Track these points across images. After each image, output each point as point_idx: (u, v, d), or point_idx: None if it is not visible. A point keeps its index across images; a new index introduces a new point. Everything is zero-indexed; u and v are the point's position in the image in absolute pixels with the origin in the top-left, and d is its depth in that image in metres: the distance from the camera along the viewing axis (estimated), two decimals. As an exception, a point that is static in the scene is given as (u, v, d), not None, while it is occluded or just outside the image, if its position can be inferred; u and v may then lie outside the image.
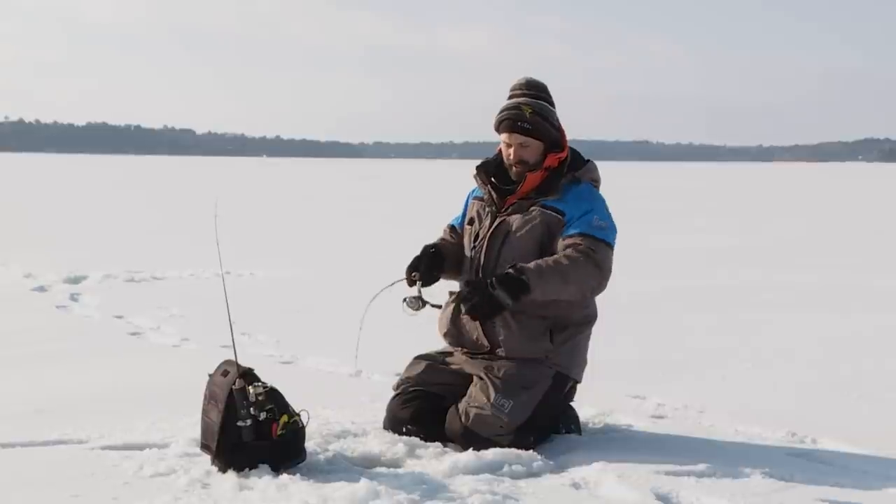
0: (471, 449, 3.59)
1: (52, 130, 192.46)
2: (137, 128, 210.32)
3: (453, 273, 3.99)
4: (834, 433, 4.09)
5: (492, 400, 3.69)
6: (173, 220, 16.67)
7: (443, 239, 4.11)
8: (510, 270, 3.63)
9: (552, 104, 3.88)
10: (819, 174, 62.91)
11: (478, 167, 3.97)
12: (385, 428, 3.87)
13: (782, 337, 6.49)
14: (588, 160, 3.95)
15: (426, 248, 3.95)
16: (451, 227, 4.15)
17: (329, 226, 16.41)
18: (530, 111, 3.79)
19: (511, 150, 3.84)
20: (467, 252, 3.94)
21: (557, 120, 3.88)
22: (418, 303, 3.86)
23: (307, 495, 3.11)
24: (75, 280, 8.76)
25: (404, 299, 3.87)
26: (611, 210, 3.88)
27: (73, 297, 7.85)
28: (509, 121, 3.80)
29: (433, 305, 3.92)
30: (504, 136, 3.85)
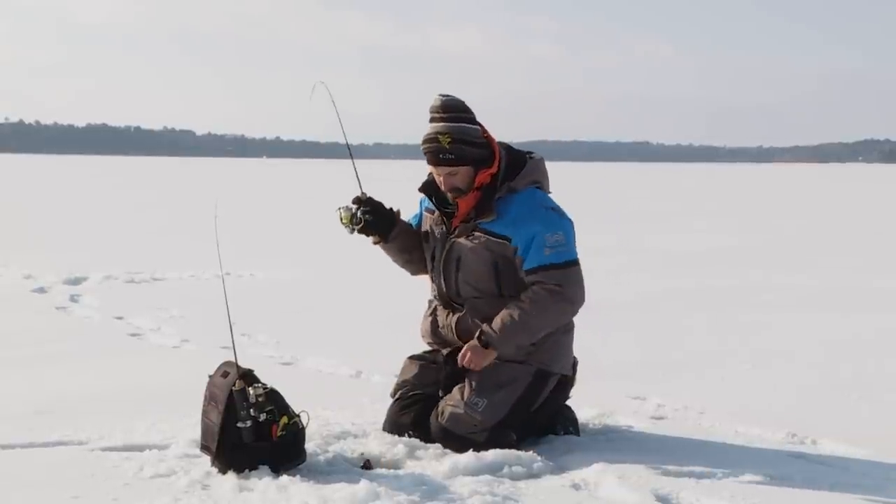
0: (471, 450, 3.58)
1: (52, 131, 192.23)
2: (137, 129, 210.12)
3: (400, 249, 3.93)
4: (834, 434, 4.09)
5: (465, 398, 3.69)
6: (173, 221, 16.67)
7: None
8: (476, 340, 3.68)
9: (472, 121, 3.73)
10: (819, 175, 62.90)
11: (422, 186, 3.89)
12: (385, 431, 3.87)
13: (782, 337, 6.50)
14: (528, 158, 3.81)
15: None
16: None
17: (329, 227, 16.38)
18: (449, 140, 3.66)
19: (441, 180, 3.76)
20: (428, 270, 3.93)
21: (480, 134, 3.74)
22: (350, 214, 3.75)
23: (307, 496, 3.11)
24: (75, 281, 8.76)
25: (339, 208, 3.80)
26: (568, 207, 3.84)
27: (73, 298, 7.85)
28: (431, 154, 3.71)
29: (368, 229, 3.81)
30: (432, 168, 3.78)
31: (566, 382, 3.91)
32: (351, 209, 3.80)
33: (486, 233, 3.72)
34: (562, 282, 3.67)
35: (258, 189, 31.90)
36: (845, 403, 4.71)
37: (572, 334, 3.91)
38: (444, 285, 3.84)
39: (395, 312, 7.20)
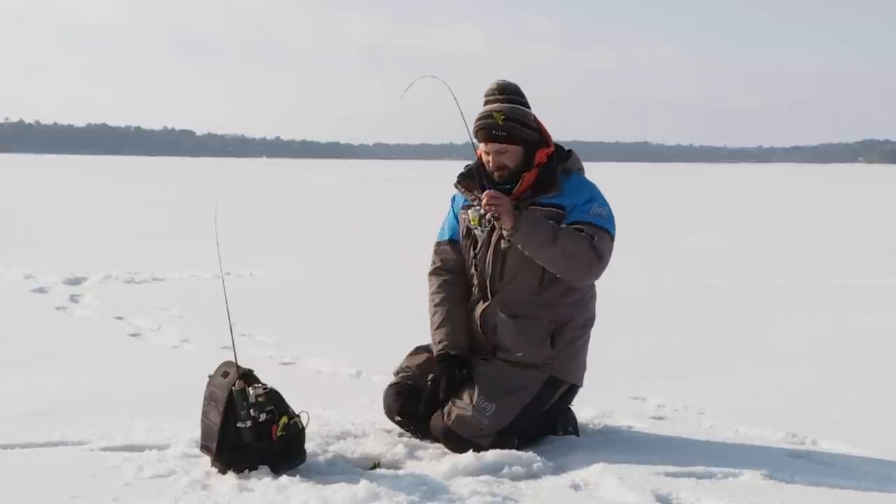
0: (471, 450, 3.58)
1: (52, 131, 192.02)
2: (137, 129, 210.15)
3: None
4: (834, 434, 4.09)
5: (474, 401, 3.68)
6: (173, 221, 16.67)
7: (445, 282, 3.94)
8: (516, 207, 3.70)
9: (526, 104, 3.86)
10: (819, 175, 62.89)
11: (459, 177, 3.94)
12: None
13: (782, 337, 6.50)
14: (569, 150, 3.96)
15: (451, 359, 3.79)
16: (452, 242, 4.00)
17: (329, 227, 16.41)
18: (503, 118, 3.76)
19: (490, 158, 3.83)
20: (468, 264, 3.92)
21: (534, 119, 3.86)
22: (478, 216, 3.73)
23: (307, 497, 3.11)
24: (75, 281, 8.76)
25: (469, 210, 3.80)
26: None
27: (73, 299, 7.85)
28: (484, 130, 3.79)
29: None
30: (482, 145, 3.85)
31: (573, 391, 3.92)
32: (480, 212, 3.77)
33: (541, 205, 3.77)
34: (595, 234, 3.69)
35: (258, 189, 31.89)
36: (845, 403, 4.71)
37: (588, 346, 3.91)
38: (489, 270, 3.81)
39: (395, 313, 7.20)
